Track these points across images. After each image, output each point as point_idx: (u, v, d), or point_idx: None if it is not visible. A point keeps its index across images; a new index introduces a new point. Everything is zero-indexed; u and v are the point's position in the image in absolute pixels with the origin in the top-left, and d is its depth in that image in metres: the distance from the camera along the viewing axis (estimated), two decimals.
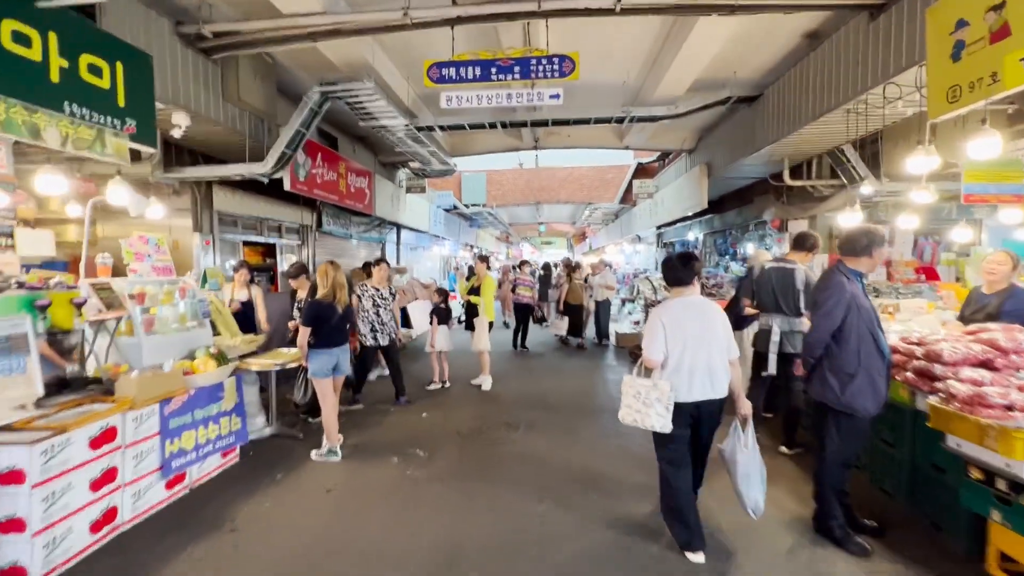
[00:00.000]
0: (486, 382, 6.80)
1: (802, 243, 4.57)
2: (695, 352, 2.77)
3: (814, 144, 6.97)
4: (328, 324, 4.27)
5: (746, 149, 7.83)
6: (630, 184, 16.92)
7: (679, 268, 2.93)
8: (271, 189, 7.70)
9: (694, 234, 14.84)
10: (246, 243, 8.80)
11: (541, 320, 11.32)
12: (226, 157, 6.65)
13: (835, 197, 7.93)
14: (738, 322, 4.72)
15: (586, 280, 10.14)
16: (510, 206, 18.10)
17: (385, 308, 6.18)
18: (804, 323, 4.25)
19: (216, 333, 5.07)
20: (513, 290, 9.54)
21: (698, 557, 2.86)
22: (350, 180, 9.08)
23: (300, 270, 5.80)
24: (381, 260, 7.15)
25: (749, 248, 11.69)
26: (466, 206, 17.46)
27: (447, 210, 17.20)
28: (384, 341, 6.09)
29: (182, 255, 6.81)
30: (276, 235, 9.18)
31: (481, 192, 17.38)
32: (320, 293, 4.27)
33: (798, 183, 7.92)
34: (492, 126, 7.79)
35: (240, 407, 4.34)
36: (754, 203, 10.47)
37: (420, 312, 12.78)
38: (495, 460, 4.41)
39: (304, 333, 4.18)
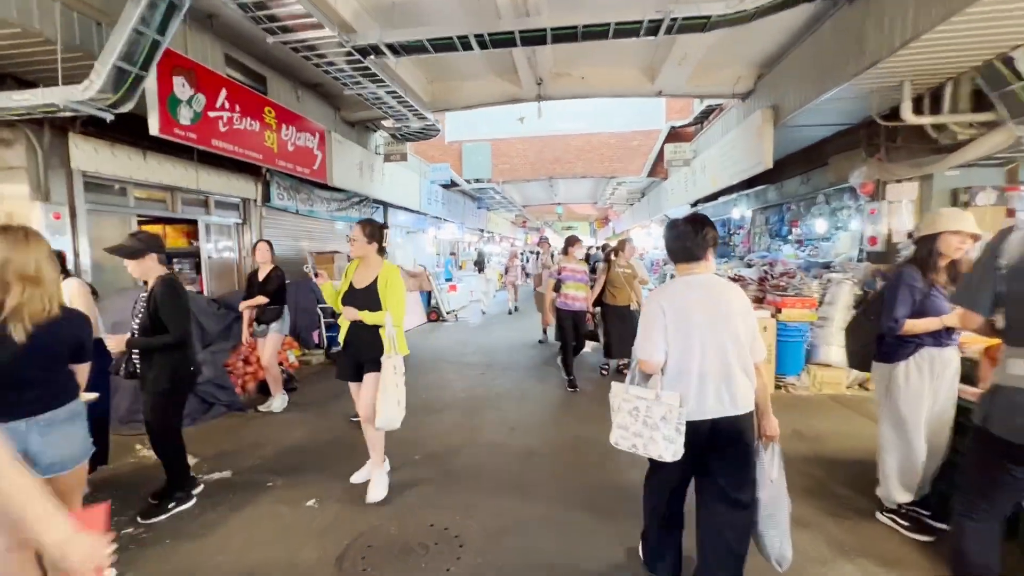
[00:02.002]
0: (375, 488, 3.25)
1: None
2: (707, 350, 2.03)
3: (964, 51, 4.39)
4: None
5: (843, 71, 5.24)
6: (660, 153, 14.25)
7: (688, 235, 2.11)
8: (185, 148, 5.56)
9: (740, 211, 12.17)
10: (145, 221, 6.67)
11: (592, 336, 6.63)
12: (37, 81, 4.44)
13: (977, 143, 5.28)
14: (890, 350, 2.73)
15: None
16: (519, 182, 15.61)
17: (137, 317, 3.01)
18: None
19: None
20: (557, 288, 5.63)
21: None
22: (286, 135, 6.81)
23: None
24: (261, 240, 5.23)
25: (818, 225, 9.04)
26: (468, 182, 15.09)
27: (445, 187, 14.86)
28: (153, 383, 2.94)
29: None
30: (201, 210, 7.01)
31: (485, 165, 14.98)
32: None
33: (925, 120, 5.29)
34: (466, 44, 5.38)
35: None
36: (829, 164, 7.82)
37: None
38: None
39: None
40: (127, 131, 5.20)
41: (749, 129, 7.53)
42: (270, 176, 8.06)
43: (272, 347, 4.85)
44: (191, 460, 3.80)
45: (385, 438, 3.39)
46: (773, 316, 5.41)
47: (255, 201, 7.97)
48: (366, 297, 3.11)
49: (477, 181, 15.11)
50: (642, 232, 22.37)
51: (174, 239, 7.83)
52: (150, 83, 4.60)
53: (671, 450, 2.00)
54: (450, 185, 15.26)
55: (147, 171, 5.83)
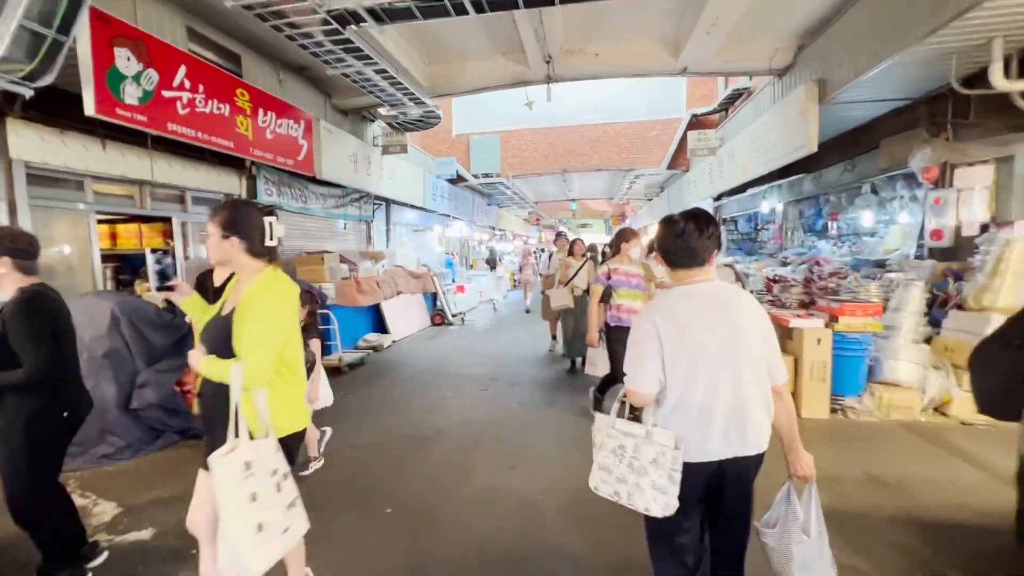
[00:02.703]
0: None
1: None
2: (714, 377, 1.63)
3: None
4: None
5: (912, 31, 4.32)
6: (681, 143, 13.30)
7: (691, 234, 1.69)
8: (159, 138, 4.94)
9: (769, 203, 11.14)
10: (107, 220, 6.04)
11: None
12: None
13: None
14: None
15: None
16: (530, 175, 14.75)
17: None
18: None
19: None
20: (606, 298, 4.22)
21: None
22: (264, 122, 6.08)
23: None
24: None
25: (864, 218, 8.06)
26: (476, 177, 14.30)
27: (451, 181, 14.09)
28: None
29: None
30: (176, 207, 6.35)
31: (494, 159, 14.17)
32: None
33: (1018, 86, 4.33)
34: (459, 7, 4.56)
35: None
36: (880, 148, 6.85)
37: (403, 310, 9.83)
38: None
39: None
40: (81, 117, 4.51)
41: (789, 109, 6.60)
42: (256, 170, 7.38)
43: None
44: (109, 510, 3.08)
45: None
46: (827, 325, 4.52)
47: (239, 197, 7.29)
48: (219, 331, 1.82)
49: (486, 176, 14.30)
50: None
51: (151, 238, 7.18)
52: (83, 53, 3.90)
53: (661, 502, 1.65)
54: (457, 180, 14.49)
55: (107, 163, 5.15)
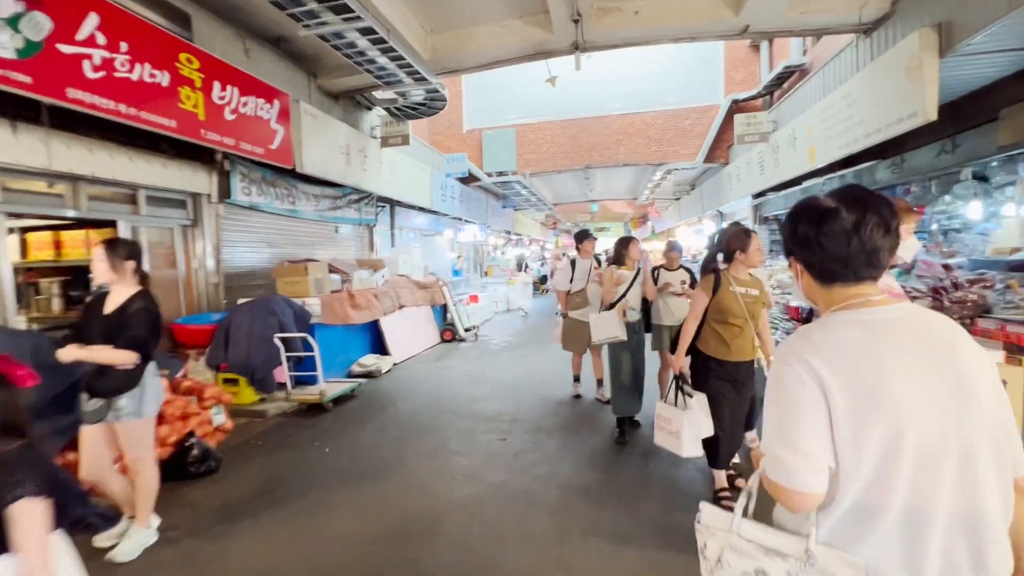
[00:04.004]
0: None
1: None
2: (930, 465, 0.98)
3: None
4: None
5: None
6: (719, 133, 11.84)
7: (871, 229, 1.05)
8: (97, 123, 3.74)
9: None
10: (48, 226, 4.91)
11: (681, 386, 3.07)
12: None
13: None
14: None
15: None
16: (549, 173, 13.38)
17: None
18: None
19: None
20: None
21: None
22: (221, 98, 4.85)
23: None
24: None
25: (971, 210, 6.53)
26: (489, 175, 12.99)
27: (463, 181, 12.82)
28: None
29: None
30: (125, 208, 5.20)
31: (509, 156, 12.86)
32: None
33: None
34: None
35: None
36: (1002, 120, 5.37)
37: (406, 326, 8.54)
38: None
39: None
40: None
41: (888, 69, 5.14)
42: (230, 164, 6.17)
43: (131, 440, 2.74)
44: None
45: None
46: (1009, 360, 3.06)
47: (209, 197, 6.09)
48: None
49: (500, 174, 12.99)
50: (689, 230, 19.87)
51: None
52: None
53: None
54: (469, 180, 13.21)
55: (20, 151, 3.94)
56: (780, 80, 10.55)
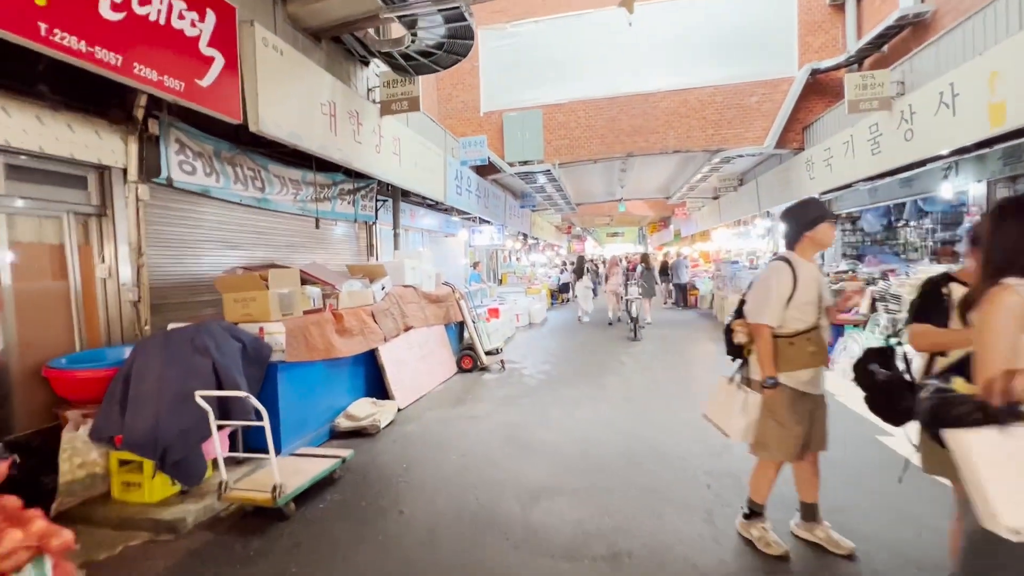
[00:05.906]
0: None
1: None
2: None
3: None
4: None
5: None
6: (794, 111, 9.71)
7: None
8: None
9: (954, 185, 7.44)
10: None
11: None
12: None
13: None
14: None
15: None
16: (583, 163, 11.23)
17: None
18: None
19: None
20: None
21: None
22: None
23: None
24: None
25: None
26: (511, 165, 10.87)
27: (480, 173, 10.71)
28: None
29: None
30: None
31: (535, 143, 10.72)
32: None
33: None
34: None
35: None
36: None
37: (414, 355, 6.38)
38: None
39: None
40: None
41: None
42: (161, 126, 4.11)
43: None
44: None
45: None
46: None
47: (125, 172, 4.03)
48: None
49: (524, 164, 10.86)
50: (728, 232, 17.66)
51: None
52: None
53: None
54: (486, 173, 11.10)
55: None
56: (880, 41, 8.43)
